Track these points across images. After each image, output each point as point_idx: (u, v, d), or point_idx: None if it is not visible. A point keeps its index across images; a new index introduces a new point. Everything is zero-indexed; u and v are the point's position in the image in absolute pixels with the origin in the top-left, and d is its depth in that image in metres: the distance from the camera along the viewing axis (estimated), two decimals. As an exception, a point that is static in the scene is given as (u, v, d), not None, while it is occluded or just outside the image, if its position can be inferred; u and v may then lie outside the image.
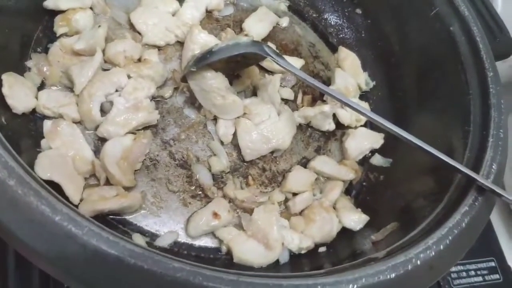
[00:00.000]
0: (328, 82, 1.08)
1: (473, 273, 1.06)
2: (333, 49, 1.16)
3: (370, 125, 1.05)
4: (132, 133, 0.85)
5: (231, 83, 0.94)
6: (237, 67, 0.95)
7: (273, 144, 0.92)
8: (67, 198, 0.76)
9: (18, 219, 0.55)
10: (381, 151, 1.01)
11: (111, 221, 0.80)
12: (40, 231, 0.55)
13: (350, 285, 0.61)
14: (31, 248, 0.55)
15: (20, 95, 0.80)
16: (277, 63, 0.85)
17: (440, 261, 0.68)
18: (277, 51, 0.91)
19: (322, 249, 0.86)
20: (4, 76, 0.79)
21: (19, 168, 0.57)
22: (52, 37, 0.91)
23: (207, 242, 0.84)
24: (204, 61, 0.84)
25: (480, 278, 1.06)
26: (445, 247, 0.68)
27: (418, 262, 0.66)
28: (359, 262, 0.67)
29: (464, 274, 1.06)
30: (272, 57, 0.86)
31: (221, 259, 0.83)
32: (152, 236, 0.81)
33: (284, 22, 1.15)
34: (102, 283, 0.55)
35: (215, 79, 0.87)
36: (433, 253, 0.67)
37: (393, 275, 0.63)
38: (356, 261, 0.69)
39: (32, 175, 0.59)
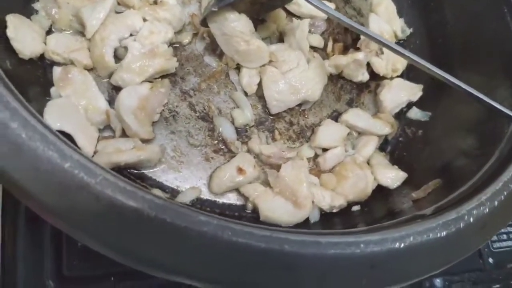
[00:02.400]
0: (359, 29, 0.98)
1: (514, 236, 0.99)
2: (367, -7, 1.06)
3: (407, 75, 0.96)
4: (149, 81, 0.78)
5: (255, 29, 0.85)
6: (262, 9, 0.86)
7: (302, 95, 0.84)
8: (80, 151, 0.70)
9: (23, 166, 0.48)
10: (419, 104, 0.93)
11: (129, 175, 0.74)
12: (48, 180, 0.48)
13: (397, 243, 0.54)
14: (38, 200, 0.49)
15: (27, 38, 0.73)
16: (309, 2, 0.76)
17: (494, 219, 0.61)
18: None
19: (356, 208, 0.79)
20: (9, 17, 0.71)
21: (23, 109, 0.50)
22: (61, -23, 0.83)
23: (232, 199, 0.78)
24: (226, 0, 0.76)
25: (522, 242, 0.99)
26: (499, 204, 0.61)
27: (471, 220, 0.59)
28: (403, 220, 0.60)
29: (505, 237, 0.98)
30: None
31: (246, 217, 0.77)
32: (172, 192, 0.75)
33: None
34: (119, 239, 0.49)
35: (238, 21, 0.79)
36: (486, 210, 0.60)
37: (443, 233, 0.57)
38: (398, 219, 0.61)
39: (38, 118, 0.52)
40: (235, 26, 0.79)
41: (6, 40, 0.70)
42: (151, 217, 0.48)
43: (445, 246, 0.57)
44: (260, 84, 0.84)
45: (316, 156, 0.85)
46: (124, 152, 0.71)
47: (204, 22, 0.80)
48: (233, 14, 0.78)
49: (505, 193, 0.62)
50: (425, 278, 0.58)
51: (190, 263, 0.49)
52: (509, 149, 0.70)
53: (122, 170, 0.73)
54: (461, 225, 0.58)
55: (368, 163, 0.85)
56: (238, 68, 0.86)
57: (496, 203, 0.61)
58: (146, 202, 0.48)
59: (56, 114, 0.70)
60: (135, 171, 0.74)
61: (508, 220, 0.66)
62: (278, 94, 0.83)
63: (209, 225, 0.49)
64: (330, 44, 0.96)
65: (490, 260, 0.95)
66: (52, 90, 0.74)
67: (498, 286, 0.96)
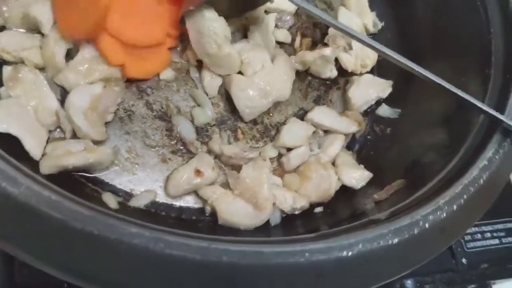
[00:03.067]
0: (329, 24, 0.95)
1: (489, 235, 0.96)
2: (337, -14, 1.03)
3: (377, 71, 0.93)
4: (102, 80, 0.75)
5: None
6: (243, 7, 0.83)
7: (273, 97, 0.81)
8: (27, 154, 0.67)
9: None
10: (389, 101, 0.90)
11: (79, 179, 0.71)
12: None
13: (345, 252, 0.51)
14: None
15: (-26, 36, 0.70)
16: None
17: (453, 223, 0.59)
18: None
19: (318, 209, 0.77)
20: (-50, 14, 0.68)
21: None
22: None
23: (189, 202, 0.75)
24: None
25: (497, 241, 0.96)
26: (459, 208, 0.59)
27: (427, 225, 0.56)
28: (356, 225, 0.58)
29: (479, 236, 0.96)
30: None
31: (204, 221, 0.74)
32: (125, 196, 0.72)
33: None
34: (44, 252, 0.46)
35: (215, 21, 0.75)
36: (444, 215, 0.57)
37: (395, 240, 0.54)
38: (354, 223, 0.59)
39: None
40: (210, 25, 0.75)
41: None
42: (77, 229, 0.45)
43: (398, 253, 0.54)
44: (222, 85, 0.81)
45: (280, 156, 0.82)
46: (72, 154, 0.68)
47: (183, 21, 0.77)
48: (211, 13, 0.75)
49: (465, 196, 0.59)
50: (394, 279, 0.56)
51: (123, 277, 0.47)
52: (474, 147, 0.67)
53: (71, 173, 0.70)
54: (415, 231, 0.55)
55: (333, 163, 0.82)
56: (199, 65, 0.82)
57: (455, 207, 0.58)
58: (71, 213, 0.45)
59: (2, 115, 0.67)
60: (87, 174, 0.71)
61: (470, 224, 0.64)
62: (249, 101, 0.79)
63: (141, 237, 0.46)
64: (298, 39, 0.93)
65: (464, 260, 0.92)
66: (1, 90, 0.71)
67: (472, 287, 0.94)
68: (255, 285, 0.49)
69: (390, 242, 0.53)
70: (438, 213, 0.57)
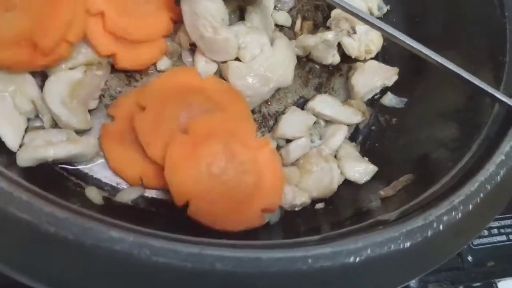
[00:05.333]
0: (331, 6, 0.89)
1: (496, 231, 0.92)
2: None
3: (382, 57, 0.87)
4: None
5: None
6: None
7: (274, 83, 0.75)
8: (3, 144, 0.62)
9: None
10: (395, 89, 0.84)
11: (61, 171, 0.65)
12: None
13: (352, 257, 0.46)
14: None
15: None
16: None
17: (469, 224, 0.53)
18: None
19: (319, 206, 0.72)
20: None
21: None
22: None
23: (181, 196, 0.69)
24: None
25: (504, 237, 0.91)
26: (475, 207, 0.53)
27: (441, 227, 0.51)
28: (363, 226, 0.52)
29: (486, 232, 0.91)
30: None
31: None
32: (111, 191, 0.67)
33: None
34: (13, 259, 0.41)
35: (213, 2, 0.70)
36: (459, 215, 0.52)
37: (407, 244, 0.49)
38: (361, 223, 0.54)
39: None
40: (207, 6, 0.69)
41: None
42: (50, 233, 0.40)
43: (410, 258, 0.49)
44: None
45: (279, 147, 0.76)
46: (52, 145, 0.62)
47: (178, 0, 0.71)
48: None
49: (481, 195, 0.54)
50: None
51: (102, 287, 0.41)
52: (489, 141, 0.62)
53: (53, 165, 0.64)
54: (429, 233, 0.50)
55: (335, 155, 0.77)
56: (192, 49, 0.76)
57: (470, 207, 0.53)
58: (44, 216, 0.40)
59: (-25, 103, 0.62)
60: (69, 166, 0.66)
61: (486, 224, 0.59)
62: (249, 89, 0.74)
63: (123, 242, 0.41)
64: (298, 22, 0.87)
65: (470, 258, 0.88)
66: (-26, 75, 0.65)
67: (478, 285, 0.89)
68: (252, 295, 0.44)
69: (401, 246, 0.48)
70: (453, 213, 0.52)
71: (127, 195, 0.66)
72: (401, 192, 0.65)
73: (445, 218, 0.51)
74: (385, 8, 0.92)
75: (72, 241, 0.40)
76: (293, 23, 0.86)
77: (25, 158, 0.60)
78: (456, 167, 0.59)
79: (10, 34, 0.61)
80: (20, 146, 0.63)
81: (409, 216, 0.52)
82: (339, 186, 0.73)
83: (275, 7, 0.85)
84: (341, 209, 0.69)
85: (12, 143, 0.62)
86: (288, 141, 0.76)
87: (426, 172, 0.65)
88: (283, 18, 0.85)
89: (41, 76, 0.68)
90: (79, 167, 0.66)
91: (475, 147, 0.61)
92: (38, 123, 0.67)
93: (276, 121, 0.78)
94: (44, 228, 0.40)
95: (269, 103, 0.79)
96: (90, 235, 0.40)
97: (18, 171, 0.60)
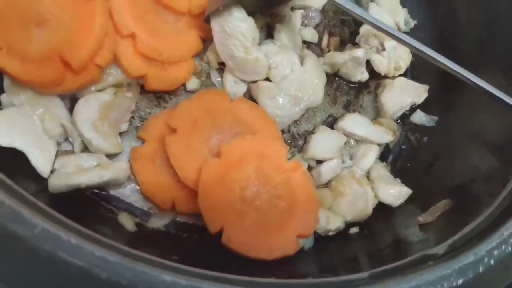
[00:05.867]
0: (358, 21, 0.87)
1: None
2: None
3: (411, 74, 0.85)
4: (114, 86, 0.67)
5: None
6: (269, 4, 0.76)
7: (305, 103, 0.74)
8: (34, 170, 0.60)
9: None
10: (425, 107, 0.82)
11: (92, 197, 0.64)
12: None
13: (404, 298, 0.45)
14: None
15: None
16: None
17: (518, 257, 0.52)
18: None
19: (354, 230, 0.70)
20: None
21: None
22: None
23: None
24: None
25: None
26: (525, 239, 0.52)
27: (492, 262, 0.49)
28: (412, 261, 0.51)
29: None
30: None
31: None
32: (143, 216, 0.65)
33: None
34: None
35: (243, 22, 0.68)
36: (510, 248, 0.51)
37: (460, 282, 0.47)
38: (407, 258, 0.52)
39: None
40: (238, 25, 0.68)
41: None
42: (102, 279, 0.38)
43: (461, 296, 0.48)
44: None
45: (310, 168, 0.75)
46: (84, 172, 0.61)
47: (208, 19, 0.70)
48: (240, 12, 0.68)
49: (531, 226, 0.52)
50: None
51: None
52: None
53: (84, 191, 0.63)
54: (480, 269, 0.48)
55: (368, 176, 0.75)
56: (221, 68, 0.75)
57: (520, 239, 0.51)
58: (95, 260, 0.38)
59: (4, 127, 0.60)
60: (100, 191, 0.65)
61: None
62: (279, 109, 0.73)
63: (176, 286, 0.39)
64: (325, 38, 0.85)
65: None
66: (3, 98, 0.64)
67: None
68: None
69: (454, 284, 0.47)
70: (503, 247, 0.50)
71: (160, 221, 0.65)
72: (441, 219, 0.63)
73: (495, 252, 0.50)
74: (413, 23, 0.90)
75: (125, 286, 0.38)
76: (320, 39, 0.85)
77: (57, 185, 0.59)
78: (499, 197, 0.58)
79: (40, 50, 0.60)
80: (51, 171, 0.62)
81: (458, 251, 0.50)
82: (373, 208, 0.71)
83: (302, 23, 0.83)
84: (377, 235, 0.68)
85: (43, 168, 0.61)
86: (319, 161, 0.75)
87: (465, 200, 0.64)
88: (310, 34, 0.83)
89: (70, 98, 0.67)
90: (110, 191, 0.65)
91: (517, 176, 0.60)
92: (67, 147, 0.66)
93: (305, 141, 0.77)
94: (96, 274, 0.38)
95: (298, 122, 0.78)
96: (143, 279, 0.39)
97: (49, 197, 0.59)
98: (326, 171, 0.73)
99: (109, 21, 0.64)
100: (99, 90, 0.67)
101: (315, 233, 0.68)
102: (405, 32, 0.90)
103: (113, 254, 0.39)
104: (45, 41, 0.60)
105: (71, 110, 0.65)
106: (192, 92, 0.73)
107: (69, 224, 0.42)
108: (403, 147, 0.82)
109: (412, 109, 0.83)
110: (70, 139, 0.65)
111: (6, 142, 0.59)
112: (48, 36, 0.61)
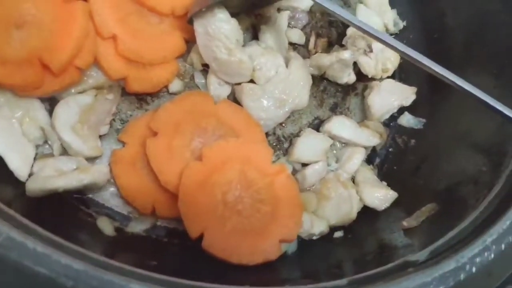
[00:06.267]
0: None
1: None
2: (354, -19, 0.93)
3: (398, 76, 0.84)
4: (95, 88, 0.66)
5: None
6: (256, 4, 0.75)
7: (290, 105, 0.73)
8: (11, 173, 0.59)
9: None
10: (412, 109, 0.81)
11: (71, 201, 0.63)
12: None
13: (383, 305, 0.44)
14: None
15: None
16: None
17: (501, 265, 0.51)
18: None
19: (338, 234, 0.69)
20: None
21: None
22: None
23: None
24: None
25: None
26: (508, 246, 0.51)
27: (473, 269, 0.48)
28: (392, 268, 0.50)
29: None
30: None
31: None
32: (123, 220, 0.64)
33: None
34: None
35: (226, 23, 0.67)
36: (492, 256, 0.50)
37: (440, 289, 0.46)
38: (387, 265, 0.51)
39: None
40: (221, 27, 0.67)
41: None
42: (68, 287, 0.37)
43: (441, 304, 0.47)
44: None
45: (295, 171, 0.74)
46: (62, 176, 0.60)
47: (191, 21, 0.68)
48: (223, 13, 0.67)
49: (514, 233, 0.51)
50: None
51: None
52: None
53: (62, 194, 0.62)
54: (462, 276, 0.47)
55: (353, 179, 0.74)
56: (204, 70, 0.74)
57: (503, 246, 0.50)
58: (61, 268, 0.37)
59: (-18, 131, 0.59)
60: (79, 195, 0.63)
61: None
62: (263, 112, 0.71)
63: (145, 296, 0.38)
64: (312, 39, 0.84)
65: None
66: (-20, 101, 0.63)
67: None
68: None
69: (434, 292, 0.46)
70: (486, 254, 0.49)
71: (140, 225, 0.64)
72: (425, 224, 0.63)
73: (477, 259, 0.49)
74: (401, 24, 0.89)
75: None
76: (307, 40, 0.84)
77: (34, 189, 0.58)
78: (484, 201, 0.57)
79: (19, 52, 0.59)
80: (29, 175, 0.60)
81: (439, 257, 0.49)
82: (357, 213, 0.70)
83: (288, 24, 0.82)
84: (361, 239, 0.67)
85: (21, 172, 0.60)
86: (304, 164, 0.74)
87: (451, 204, 0.63)
88: (297, 36, 0.82)
89: (50, 100, 0.65)
90: (89, 195, 0.64)
91: (503, 178, 0.59)
92: (46, 150, 0.65)
93: (291, 144, 0.76)
94: (62, 282, 0.37)
95: (283, 124, 0.77)
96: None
97: (26, 201, 0.58)
98: (311, 174, 0.72)
99: (90, 23, 0.63)
100: (80, 92, 0.66)
101: (299, 237, 0.67)
102: (394, 33, 0.89)
103: (80, 262, 0.38)
104: (25, 44, 0.59)
105: (50, 112, 0.64)
106: (175, 94, 0.72)
107: (38, 231, 0.41)
108: (390, 150, 0.81)
109: (400, 111, 0.82)
110: (49, 142, 0.63)
111: (-18, 146, 0.58)
112: (28, 38, 0.60)
